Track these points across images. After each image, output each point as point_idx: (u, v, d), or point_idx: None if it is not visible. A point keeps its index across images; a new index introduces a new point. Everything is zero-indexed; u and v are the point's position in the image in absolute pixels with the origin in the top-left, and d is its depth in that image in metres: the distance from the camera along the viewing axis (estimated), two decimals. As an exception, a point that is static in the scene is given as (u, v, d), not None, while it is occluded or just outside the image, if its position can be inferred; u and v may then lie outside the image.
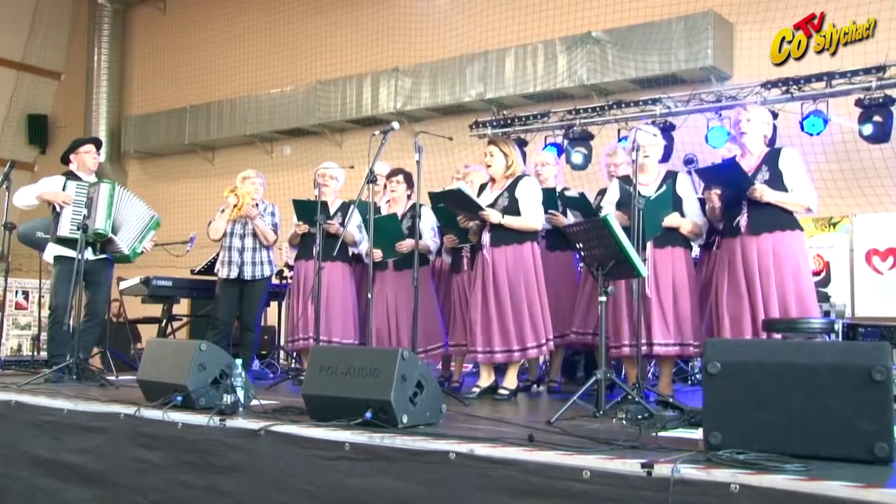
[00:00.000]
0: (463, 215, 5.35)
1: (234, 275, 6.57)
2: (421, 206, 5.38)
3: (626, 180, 5.23)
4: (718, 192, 4.76)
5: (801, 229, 4.74)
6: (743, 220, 4.70)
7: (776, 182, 4.67)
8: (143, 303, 9.44)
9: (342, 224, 6.18)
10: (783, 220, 4.67)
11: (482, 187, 5.63)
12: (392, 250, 5.81)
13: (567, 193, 5.94)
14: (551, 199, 5.76)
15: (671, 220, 4.92)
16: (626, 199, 4.98)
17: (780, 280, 4.60)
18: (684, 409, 3.90)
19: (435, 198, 5.42)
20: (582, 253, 4.51)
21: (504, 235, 5.23)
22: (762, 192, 4.61)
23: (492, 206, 5.29)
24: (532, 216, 5.26)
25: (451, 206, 5.36)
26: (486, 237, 5.27)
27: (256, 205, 6.62)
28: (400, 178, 6.14)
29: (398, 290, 5.96)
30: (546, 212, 5.61)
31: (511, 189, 5.31)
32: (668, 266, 4.93)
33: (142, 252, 6.50)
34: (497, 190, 5.39)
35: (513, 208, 5.25)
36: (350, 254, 6.38)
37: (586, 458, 2.82)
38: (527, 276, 5.19)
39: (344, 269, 6.33)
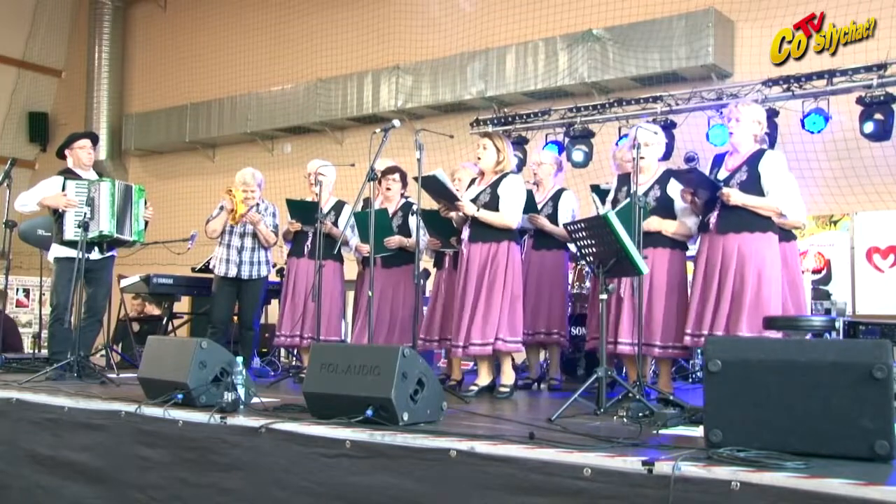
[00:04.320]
0: (442, 204, 5.36)
1: (232, 273, 6.59)
2: (415, 204, 5.38)
3: (622, 180, 5.24)
4: (691, 190, 4.77)
5: (775, 232, 4.69)
6: (712, 218, 4.71)
7: (753, 184, 4.65)
8: (145, 301, 9.46)
9: (335, 223, 6.18)
10: (752, 222, 4.64)
11: (472, 181, 5.64)
12: (380, 246, 5.81)
13: (603, 187, 5.92)
14: (530, 201, 5.75)
15: (650, 223, 4.90)
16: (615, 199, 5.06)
17: (741, 280, 4.58)
18: (685, 407, 3.90)
19: (420, 182, 5.44)
20: (582, 251, 4.51)
21: (482, 232, 5.23)
22: (730, 194, 4.60)
23: (474, 200, 5.29)
24: (508, 213, 5.24)
25: (431, 192, 5.35)
26: (465, 232, 5.29)
27: (257, 205, 6.63)
28: (396, 176, 6.15)
29: (385, 286, 5.97)
30: (525, 213, 5.59)
31: (495, 185, 5.31)
32: (648, 266, 4.91)
33: (145, 226, 6.43)
34: (483, 185, 5.40)
35: (493, 204, 5.25)
36: (338, 251, 6.36)
37: (587, 456, 2.82)
38: (494, 275, 5.16)
39: (335, 267, 6.36)
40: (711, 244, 4.73)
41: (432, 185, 5.23)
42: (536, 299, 5.74)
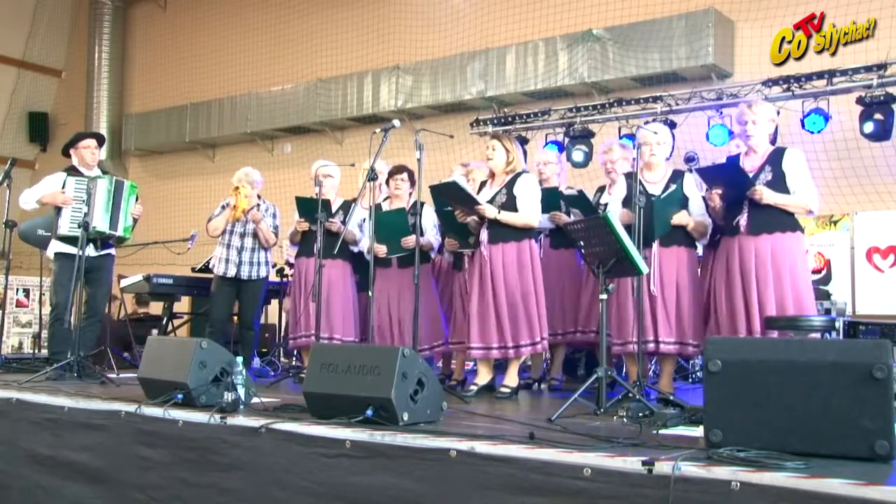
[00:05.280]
0: (460, 210, 5.34)
1: (231, 273, 6.59)
2: (422, 203, 5.38)
3: (630, 178, 5.23)
4: (720, 191, 4.74)
5: (802, 230, 4.72)
6: (743, 219, 4.69)
7: (778, 183, 4.64)
8: (138, 303, 9.46)
9: (343, 223, 6.18)
10: (783, 221, 4.65)
11: (482, 184, 5.63)
12: (398, 246, 5.80)
13: (566, 192, 5.93)
14: (553, 198, 5.75)
15: (680, 217, 4.91)
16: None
17: (778, 281, 4.58)
18: (685, 407, 3.90)
19: (434, 190, 5.42)
20: (583, 251, 4.51)
21: (502, 233, 5.23)
22: (762, 193, 4.59)
23: (490, 202, 5.28)
24: (528, 212, 5.25)
25: (449, 199, 5.34)
26: (483, 234, 5.27)
27: (257, 205, 6.63)
28: (404, 175, 6.13)
29: (402, 287, 5.95)
30: (547, 211, 5.61)
31: (510, 185, 5.30)
32: (673, 265, 4.93)
33: (134, 223, 6.42)
34: (496, 186, 5.39)
35: (511, 205, 5.24)
36: (350, 252, 6.37)
37: (587, 456, 2.82)
38: (523, 274, 5.18)
39: (344, 266, 6.33)
40: (742, 246, 4.69)
41: (451, 192, 5.22)
42: (562, 298, 5.74)
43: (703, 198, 5.09)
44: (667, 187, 5.01)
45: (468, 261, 5.53)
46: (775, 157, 4.72)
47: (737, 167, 4.75)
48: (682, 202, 4.98)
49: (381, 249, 5.77)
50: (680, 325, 4.90)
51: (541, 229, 5.75)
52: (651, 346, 4.87)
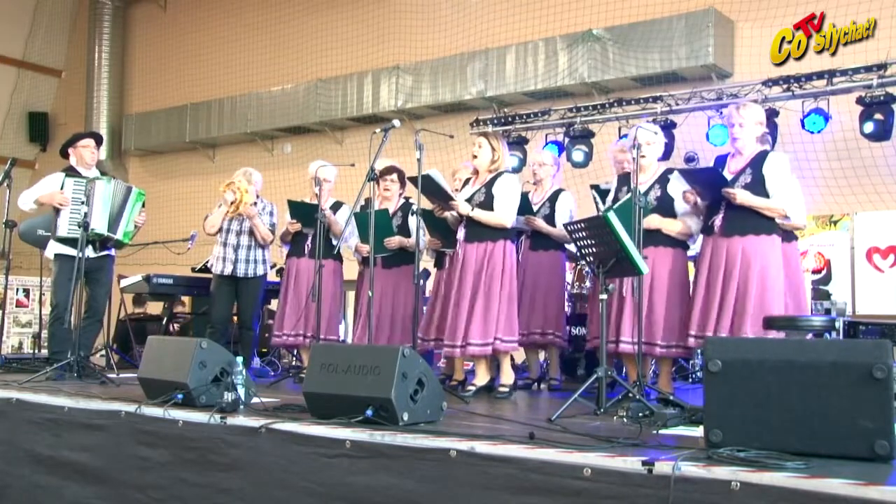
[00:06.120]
0: (437, 204, 5.35)
1: (228, 271, 6.59)
2: (413, 204, 5.39)
3: (622, 179, 5.23)
4: (694, 192, 4.76)
5: (778, 235, 4.69)
6: (717, 220, 4.70)
7: (757, 186, 4.64)
8: (134, 304, 9.45)
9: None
10: (757, 224, 4.63)
11: (466, 181, 5.64)
12: (380, 246, 5.80)
13: (603, 187, 5.91)
14: (525, 203, 5.75)
15: (650, 221, 4.88)
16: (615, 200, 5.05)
17: (744, 282, 4.57)
18: (685, 407, 3.90)
19: (411, 182, 5.43)
20: (582, 251, 4.51)
21: (478, 231, 5.23)
22: (734, 194, 4.59)
23: (469, 199, 5.29)
24: (503, 212, 5.24)
25: (425, 192, 5.35)
26: (461, 232, 5.30)
27: (255, 203, 6.63)
28: (394, 176, 6.15)
29: (385, 287, 5.96)
30: (521, 215, 5.60)
31: (490, 184, 5.32)
32: (648, 266, 4.89)
33: (135, 229, 6.41)
34: (478, 184, 5.41)
35: (488, 203, 5.25)
36: (335, 251, 6.35)
37: (587, 456, 2.82)
38: (491, 274, 5.16)
39: (334, 266, 6.37)
40: (716, 246, 4.72)
41: (427, 185, 5.23)
42: (533, 300, 5.74)
43: None
44: (651, 188, 5.02)
45: (449, 261, 5.55)
46: (757, 161, 4.72)
47: (714, 170, 4.76)
48: (666, 203, 4.97)
49: (364, 248, 5.79)
50: (649, 326, 4.85)
51: (522, 230, 5.76)
52: (611, 346, 4.83)
